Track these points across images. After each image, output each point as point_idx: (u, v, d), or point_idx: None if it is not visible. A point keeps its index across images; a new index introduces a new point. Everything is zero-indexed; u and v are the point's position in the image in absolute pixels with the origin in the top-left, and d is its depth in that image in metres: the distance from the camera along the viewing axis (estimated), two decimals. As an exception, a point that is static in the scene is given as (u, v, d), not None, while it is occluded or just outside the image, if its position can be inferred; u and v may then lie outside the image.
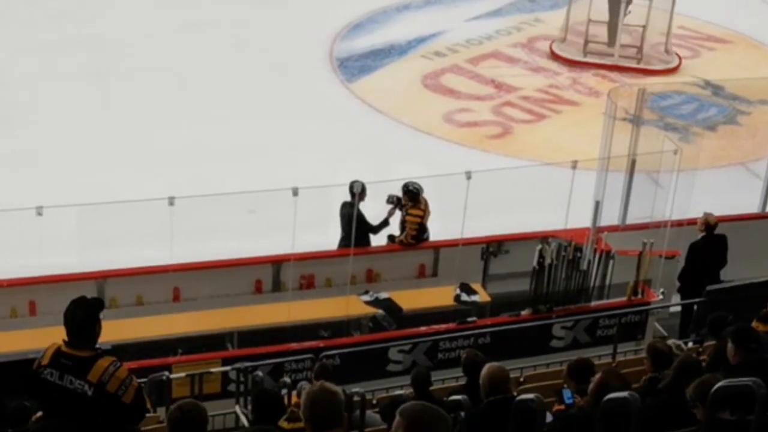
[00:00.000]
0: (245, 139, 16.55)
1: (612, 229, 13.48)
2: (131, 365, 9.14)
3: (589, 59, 20.18)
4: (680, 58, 20.35)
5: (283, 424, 6.95)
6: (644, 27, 20.11)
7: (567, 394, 7.48)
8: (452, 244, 13.17)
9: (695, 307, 12.77)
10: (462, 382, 9.22)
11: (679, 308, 13.34)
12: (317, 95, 18.44)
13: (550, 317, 12.40)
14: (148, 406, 6.54)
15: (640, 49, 20.22)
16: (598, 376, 7.07)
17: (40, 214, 11.08)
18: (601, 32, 20.39)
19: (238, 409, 10.36)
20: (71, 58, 18.77)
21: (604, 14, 20.17)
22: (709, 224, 12.93)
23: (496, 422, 6.90)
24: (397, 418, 4.20)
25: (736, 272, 13.56)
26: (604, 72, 19.68)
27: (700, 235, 12.98)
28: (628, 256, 12.91)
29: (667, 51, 20.48)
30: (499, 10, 22.41)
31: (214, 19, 20.68)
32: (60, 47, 19.08)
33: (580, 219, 13.04)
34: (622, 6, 19.93)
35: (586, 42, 20.41)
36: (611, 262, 12.84)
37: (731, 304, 11.02)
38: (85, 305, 5.80)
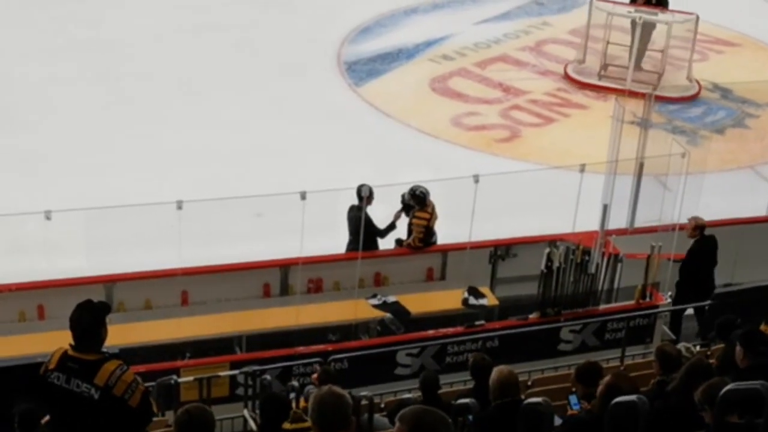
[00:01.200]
0: (252, 142, 16.56)
1: (620, 232, 13.47)
2: (139, 369, 9.15)
3: (604, 83, 19.19)
4: (700, 86, 19.39)
5: (286, 425, 6.95)
6: (663, 52, 19.16)
7: (573, 399, 7.48)
8: (460, 248, 13.16)
9: (689, 310, 12.79)
10: (470, 385, 9.22)
11: (688, 311, 13.33)
12: (325, 99, 18.45)
13: (559, 321, 12.38)
14: (155, 410, 6.54)
15: (660, 75, 19.18)
16: (606, 379, 7.06)
17: (48, 218, 11.09)
18: (617, 53, 19.76)
19: (246, 413, 10.35)
20: (78, 61, 18.80)
21: (619, 37, 19.55)
22: (701, 227, 12.88)
23: (504, 425, 6.90)
24: (397, 424, 4.18)
25: (744, 275, 13.54)
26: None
27: (692, 240, 12.92)
28: (636, 259, 12.89)
29: (689, 79, 19.43)
30: (507, 14, 22.40)
31: (221, 22, 20.70)
32: (67, 50, 19.10)
33: (588, 222, 13.02)
34: (640, 31, 18.99)
35: (606, 66, 19.43)
36: (619, 265, 12.83)
37: (739, 308, 11.00)
38: (90, 309, 5.81)
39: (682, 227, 13.08)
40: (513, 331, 12.16)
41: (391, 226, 13.27)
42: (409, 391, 10.22)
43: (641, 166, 13.89)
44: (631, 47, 19.15)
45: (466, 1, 22.88)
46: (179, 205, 11.30)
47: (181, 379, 10.73)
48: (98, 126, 16.88)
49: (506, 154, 17.09)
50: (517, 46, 21.04)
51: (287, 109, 17.83)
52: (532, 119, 18.39)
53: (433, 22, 21.75)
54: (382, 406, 9.70)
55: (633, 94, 14.67)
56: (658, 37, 19.36)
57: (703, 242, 12.88)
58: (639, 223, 13.80)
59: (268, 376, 10.54)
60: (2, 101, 17.32)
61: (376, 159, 15.91)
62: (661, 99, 16.14)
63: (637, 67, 19.04)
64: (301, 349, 11.68)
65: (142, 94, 18.01)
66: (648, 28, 19.12)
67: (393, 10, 22.09)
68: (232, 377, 11.17)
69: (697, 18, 18.77)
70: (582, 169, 12.89)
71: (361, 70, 19.74)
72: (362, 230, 12.63)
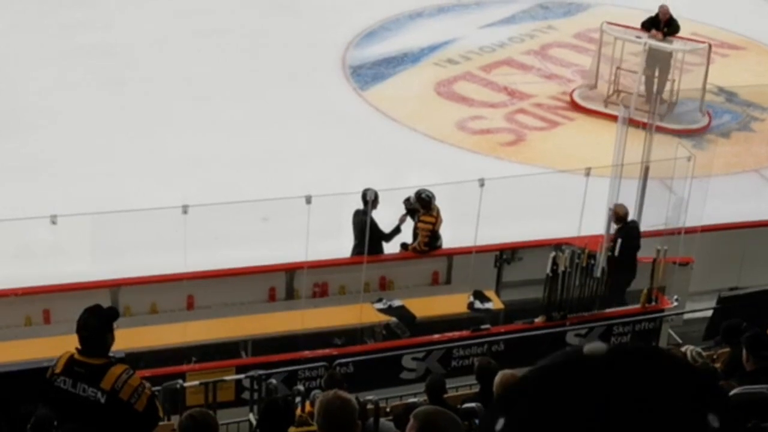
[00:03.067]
0: (258, 146, 16.57)
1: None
2: (145, 373, 9.15)
3: (610, 110, 17.80)
4: (710, 118, 18.40)
5: (292, 430, 6.96)
6: (672, 81, 18.33)
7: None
8: (466, 252, 13.16)
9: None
10: (475, 389, 9.22)
11: (694, 315, 13.33)
12: (330, 103, 18.46)
13: (564, 325, 12.38)
14: (161, 414, 6.55)
15: (670, 105, 18.20)
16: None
17: (54, 222, 11.11)
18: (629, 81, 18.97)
19: (251, 417, 10.36)
20: (84, 66, 18.83)
21: (631, 62, 18.91)
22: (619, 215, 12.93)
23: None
24: (411, 420, 4.26)
25: (750, 279, 13.55)
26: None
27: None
28: (642, 263, 12.89)
29: (700, 111, 18.43)
30: (511, 18, 22.40)
31: (226, 27, 20.72)
32: (73, 55, 19.14)
33: (593, 226, 13.03)
34: (659, 62, 18.19)
35: (617, 92, 18.50)
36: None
37: (745, 311, 10.99)
38: (98, 313, 5.82)
39: (688, 231, 13.08)
40: (519, 335, 12.16)
41: (396, 230, 13.28)
42: (415, 395, 10.22)
43: (647, 169, 13.88)
44: (647, 75, 18.35)
45: (471, 5, 22.89)
46: (185, 210, 11.31)
47: (186, 384, 10.75)
48: (104, 130, 16.91)
49: (511, 157, 17.09)
50: (522, 50, 21.03)
51: (292, 113, 17.85)
52: (537, 123, 18.38)
53: (438, 26, 21.75)
54: (388, 410, 9.70)
55: (636, 124, 14.23)
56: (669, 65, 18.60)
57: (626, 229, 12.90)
58: (645, 226, 13.79)
59: (273, 381, 10.55)
60: (9, 106, 17.35)
61: (381, 163, 15.92)
62: (663, 130, 15.54)
63: (648, 97, 17.74)
64: (307, 353, 11.69)
65: (147, 98, 18.03)
66: (666, 57, 18.32)
67: (398, 14, 22.11)
68: (238, 381, 11.18)
69: (709, 47, 18.22)
70: (587, 172, 12.89)
71: (366, 74, 19.75)
72: (367, 234, 12.64)
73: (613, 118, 15.81)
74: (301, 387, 10.31)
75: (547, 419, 1.44)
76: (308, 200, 11.55)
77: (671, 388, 1.44)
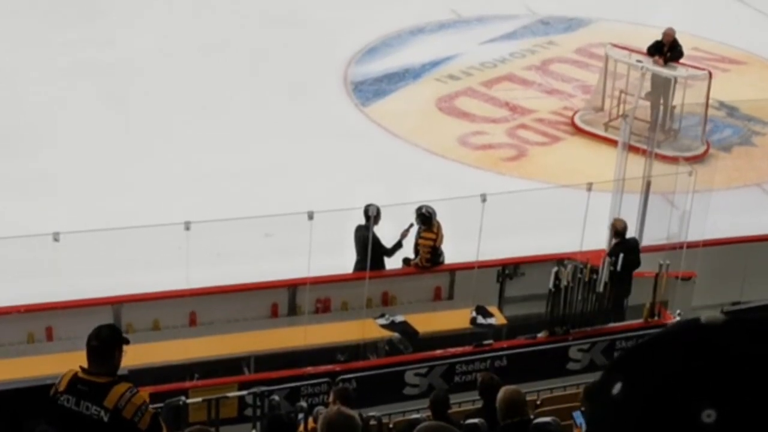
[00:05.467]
0: (260, 162, 16.59)
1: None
2: (148, 390, 9.15)
3: (610, 134, 17.61)
4: (708, 146, 18.04)
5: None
6: (674, 107, 18.01)
7: (578, 417, 7.47)
8: (468, 267, 13.16)
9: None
10: (478, 405, 9.21)
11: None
12: (332, 119, 18.49)
13: (567, 339, 12.38)
14: None
15: (672, 133, 18.02)
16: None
17: (56, 239, 11.12)
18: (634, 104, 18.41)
19: (254, 433, 10.36)
20: (87, 82, 18.87)
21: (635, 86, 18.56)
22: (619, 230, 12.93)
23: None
24: None
25: (752, 293, 13.53)
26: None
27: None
28: (644, 277, 12.89)
29: (701, 141, 18.09)
30: (512, 33, 22.45)
31: (229, 42, 20.77)
32: (76, 71, 19.18)
33: (595, 241, 13.03)
34: (662, 89, 17.99)
35: (622, 116, 17.82)
36: (627, 283, 12.83)
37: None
38: (111, 326, 5.84)
39: (690, 245, 13.08)
40: (521, 350, 12.16)
41: (398, 245, 13.28)
42: (418, 411, 10.22)
43: (648, 184, 13.90)
44: (651, 102, 18.12)
45: (472, 20, 22.94)
46: (187, 226, 11.32)
47: (189, 400, 10.74)
48: (106, 146, 16.93)
49: (513, 172, 17.10)
50: (523, 66, 21.07)
51: (295, 129, 17.88)
52: (538, 138, 18.40)
53: (439, 42, 21.80)
54: (391, 426, 9.71)
55: (635, 150, 14.14)
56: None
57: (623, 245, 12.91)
58: (646, 241, 13.80)
59: (276, 397, 10.55)
60: (12, 123, 17.38)
61: (383, 179, 15.93)
62: (662, 157, 15.41)
63: (653, 125, 17.12)
64: (310, 369, 11.68)
65: (149, 114, 18.07)
66: (667, 83, 18.07)
67: (399, 30, 22.16)
68: (241, 398, 11.17)
69: (710, 74, 18.01)
70: (589, 187, 12.90)
71: (368, 90, 19.78)
72: (369, 250, 12.64)
73: (614, 142, 15.76)
74: (303, 403, 10.31)
75: (665, 382, 1.46)
76: (310, 216, 11.56)
77: None
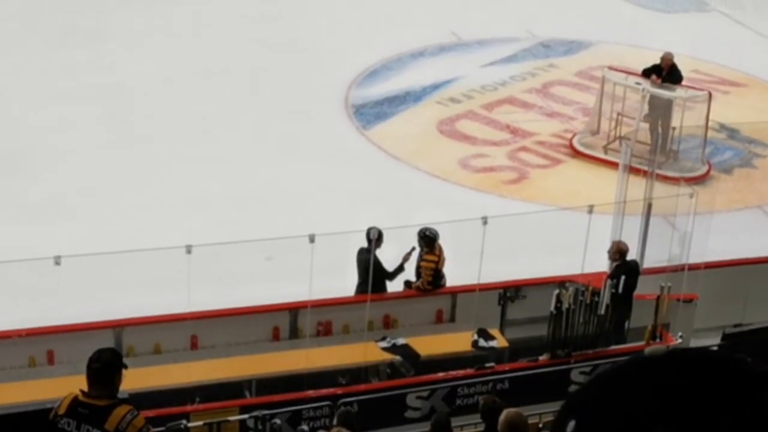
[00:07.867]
0: (261, 185, 16.61)
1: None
2: (149, 414, 9.13)
3: (610, 157, 17.56)
4: (710, 167, 17.99)
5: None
6: (674, 128, 17.87)
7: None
8: (469, 290, 13.16)
9: None
10: (480, 428, 9.19)
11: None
12: (333, 142, 18.51)
13: (569, 362, 12.35)
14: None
15: (672, 154, 17.86)
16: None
17: (58, 263, 11.13)
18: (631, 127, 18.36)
19: (256, 457, 10.33)
20: (88, 106, 18.90)
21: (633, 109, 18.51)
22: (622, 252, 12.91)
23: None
24: None
25: (754, 315, 13.52)
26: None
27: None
28: (645, 300, 12.88)
29: (702, 161, 18.01)
30: (513, 56, 22.49)
31: (230, 66, 20.83)
32: (77, 95, 19.22)
33: (597, 263, 13.03)
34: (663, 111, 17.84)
35: (618, 138, 18.11)
36: (629, 306, 12.81)
37: (750, 348, 10.97)
38: (112, 350, 5.84)
39: (692, 267, 13.07)
40: (523, 373, 12.13)
41: (400, 269, 13.27)
42: (420, 434, 10.20)
43: (649, 206, 13.90)
44: (650, 124, 18.01)
45: (473, 43, 23.00)
46: (188, 250, 11.33)
47: (190, 424, 10.72)
48: (107, 170, 16.95)
49: (514, 195, 17.11)
50: (524, 88, 21.11)
51: (296, 152, 17.90)
52: (539, 161, 18.41)
53: (440, 65, 21.84)
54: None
55: (637, 171, 14.11)
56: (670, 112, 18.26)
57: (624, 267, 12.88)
58: (648, 263, 13.79)
59: (277, 420, 10.53)
60: (13, 146, 17.40)
61: (384, 201, 15.94)
62: (663, 178, 15.35)
63: (653, 148, 16.93)
64: (311, 392, 11.66)
65: (150, 138, 18.09)
66: (666, 105, 18.01)
67: (400, 54, 22.21)
68: (242, 421, 11.14)
69: (710, 95, 18.01)
70: (590, 210, 12.91)
71: (369, 113, 19.82)
72: (371, 273, 12.64)
73: (614, 165, 15.64)
74: (305, 427, 10.29)
75: (616, 417, 1.51)
76: (312, 239, 11.56)
77: (727, 376, 1.52)
